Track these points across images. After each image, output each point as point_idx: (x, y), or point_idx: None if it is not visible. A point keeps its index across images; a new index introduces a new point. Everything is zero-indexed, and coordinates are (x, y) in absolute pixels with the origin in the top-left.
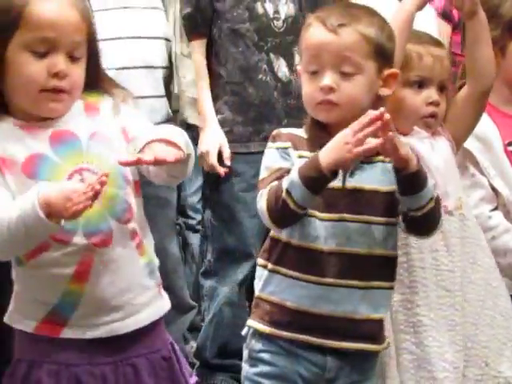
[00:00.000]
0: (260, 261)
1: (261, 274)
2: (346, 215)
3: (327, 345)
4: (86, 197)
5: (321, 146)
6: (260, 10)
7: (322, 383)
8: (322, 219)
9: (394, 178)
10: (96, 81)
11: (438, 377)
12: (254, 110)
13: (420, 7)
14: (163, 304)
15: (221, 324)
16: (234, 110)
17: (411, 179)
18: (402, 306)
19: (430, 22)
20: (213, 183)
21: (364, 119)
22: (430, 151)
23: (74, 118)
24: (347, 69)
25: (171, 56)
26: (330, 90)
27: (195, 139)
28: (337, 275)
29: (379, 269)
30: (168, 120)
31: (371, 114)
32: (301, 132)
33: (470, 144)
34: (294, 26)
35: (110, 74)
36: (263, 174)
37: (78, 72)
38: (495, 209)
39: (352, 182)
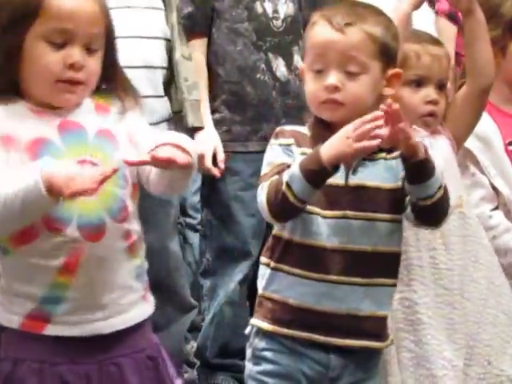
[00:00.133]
0: (263, 259)
1: (264, 273)
2: (348, 212)
3: (331, 342)
4: (91, 181)
5: None
6: (259, 10)
7: (325, 382)
8: (324, 216)
9: (397, 174)
10: (112, 74)
11: (437, 374)
12: (252, 110)
13: (416, 7)
14: (148, 308)
15: (221, 324)
16: (232, 109)
17: (419, 167)
18: (401, 304)
19: (429, 22)
20: (211, 182)
21: (367, 117)
22: (430, 150)
23: (84, 114)
24: (353, 68)
25: (171, 56)
26: (335, 89)
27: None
28: (340, 272)
29: (383, 266)
30: (167, 120)
31: (382, 107)
32: (304, 129)
33: (471, 143)
34: (294, 26)
35: None
36: (265, 169)
37: (94, 64)
38: (496, 208)
39: (355, 180)
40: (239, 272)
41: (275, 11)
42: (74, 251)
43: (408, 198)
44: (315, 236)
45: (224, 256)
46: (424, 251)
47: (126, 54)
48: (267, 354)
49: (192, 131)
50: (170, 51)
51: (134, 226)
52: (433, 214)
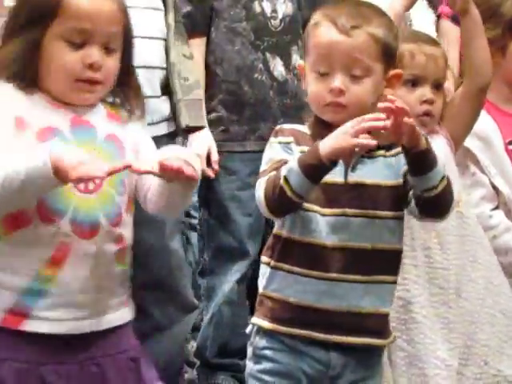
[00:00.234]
0: (263, 258)
1: (264, 272)
2: (348, 210)
3: (331, 340)
4: (100, 169)
5: None
6: (257, 9)
7: (325, 380)
8: (323, 214)
9: (397, 171)
10: (127, 77)
11: (428, 374)
12: (250, 109)
13: (408, 8)
14: (128, 313)
15: (220, 323)
16: (230, 108)
17: (422, 158)
18: (394, 303)
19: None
20: (208, 182)
21: (368, 115)
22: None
23: (97, 116)
24: (358, 72)
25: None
26: (340, 92)
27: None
28: (341, 270)
29: (384, 263)
30: (167, 120)
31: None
32: (304, 128)
33: (471, 143)
34: (292, 26)
35: None
36: (264, 166)
37: (112, 63)
38: (496, 208)
39: (354, 177)
40: (236, 271)
41: (274, 11)
42: (63, 245)
43: (411, 193)
44: (314, 234)
45: (221, 255)
46: (419, 250)
47: None
48: (267, 352)
49: (186, 132)
50: (169, 52)
51: (127, 232)
52: (437, 205)
